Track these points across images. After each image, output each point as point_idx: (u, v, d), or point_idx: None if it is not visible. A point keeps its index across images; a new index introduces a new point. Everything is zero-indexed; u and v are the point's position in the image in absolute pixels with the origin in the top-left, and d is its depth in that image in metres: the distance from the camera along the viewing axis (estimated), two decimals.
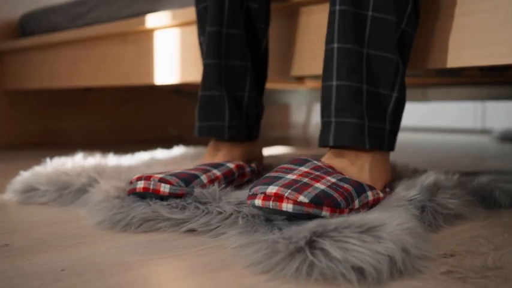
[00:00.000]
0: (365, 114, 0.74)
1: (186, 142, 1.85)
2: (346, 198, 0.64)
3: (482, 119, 2.80)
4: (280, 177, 0.65)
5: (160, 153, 1.30)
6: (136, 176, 0.77)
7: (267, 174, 0.68)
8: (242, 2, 0.93)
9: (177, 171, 0.80)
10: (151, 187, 0.74)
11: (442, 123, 2.90)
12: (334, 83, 0.75)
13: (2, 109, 1.97)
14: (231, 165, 0.86)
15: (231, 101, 0.93)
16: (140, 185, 0.74)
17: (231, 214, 0.68)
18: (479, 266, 0.54)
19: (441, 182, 0.77)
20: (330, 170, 0.70)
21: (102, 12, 1.57)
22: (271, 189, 0.61)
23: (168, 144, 1.59)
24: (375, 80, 0.75)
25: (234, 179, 0.86)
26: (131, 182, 0.76)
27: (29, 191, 0.90)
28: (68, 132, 2.13)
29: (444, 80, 2.02)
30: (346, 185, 0.66)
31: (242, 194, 0.76)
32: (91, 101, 2.20)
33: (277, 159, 1.33)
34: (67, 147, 1.75)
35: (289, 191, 0.61)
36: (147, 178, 0.75)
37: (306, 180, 0.64)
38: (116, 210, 0.71)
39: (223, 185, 0.80)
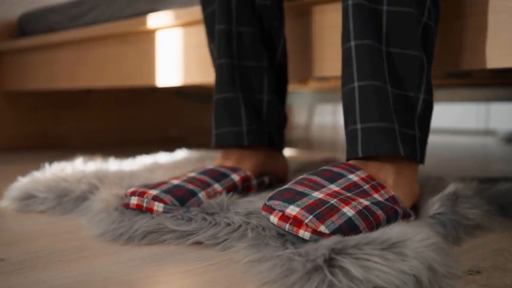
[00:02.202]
0: (394, 118, 0.66)
1: (187, 144, 1.81)
2: (372, 230, 0.57)
3: (486, 119, 2.76)
4: (305, 195, 0.58)
5: (162, 157, 1.26)
6: (131, 190, 0.73)
7: (291, 185, 0.60)
8: None
9: (175, 182, 0.75)
10: (144, 205, 0.70)
11: (444, 123, 2.86)
12: (356, 84, 0.66)
13: (0, 111, 1.93)
14: (236, 178, 0.81)
15: (247, 104, 0.86)
16: (134, 201, 0.71)
17: (240, 226, 0.64)
18: (509, 286, 0.50)
19: (460, 191, 0.73)
20: (367, 190, 0.62)
21: (103, 12, 1.54)
22: (291, 211, 0.55)
23: (169, 146, 1.56)
24: (399, 80, 0.67)
25: (238, 193, 0.80)
26: (126, 195, 0.73)
27: (27, 199, 0.86)
28: (67, 134, 2.10)
29: (450, 81, 1.98)
30: (378, 212, 0.59)
31: (251, 203, 0.72)
32: (91, 102, 2.16)
33: None
34: (67, 150, 1.72)
35: (310, 217, 0.54)
36: (141, 194, 0.71)
37: (333, 201, 0.57)
38: (118, 221, 0.67)
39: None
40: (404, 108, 0.67)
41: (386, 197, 0.63)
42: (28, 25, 1.84)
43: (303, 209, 0.55)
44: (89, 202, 0.80)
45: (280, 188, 0.60)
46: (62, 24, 1.68)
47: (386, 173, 0.66)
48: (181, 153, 1.32)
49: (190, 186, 0.74)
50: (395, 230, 0.53)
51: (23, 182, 0.90)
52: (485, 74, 1.60)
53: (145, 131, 2.33)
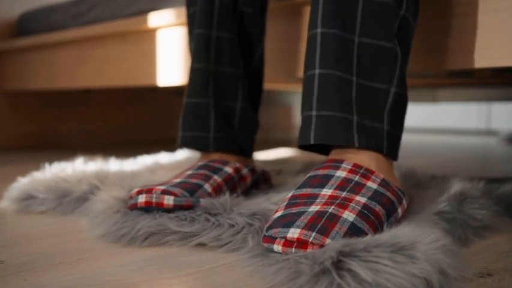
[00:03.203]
0: (354, 108, 0.64)
1: None
2: (376, 229, 0.56)
3: (487, 119, 2.75)
4: (302, 212, 0.55)
5: (163, 157, 1.25)
6: (136, 189, 0.71)
7: (285, 210, 0.57)
8: (235, 5, 0.87)
9: (177, 180, 0.74)
10: (154, 200, 0.69)
11: (445, 123, 2.85)
12: (317, 71, 0.64)
13: (0, 111, 1.92)
14: (229, 170, 0.80)
15: (218, 111, 0.85)
16: (142, 199, 0.69)
17: (243, 227, 0.63)
18: None
19: (467, 191, 0.72)
20: (359, 181, 0.60)
21: (103, 10, 1.53)
22: (293, 234, 0.52)
23: (169, 146, 1.54)
24: (368, 71, 0.65)
25: (234, 184, 0.80)
26: (131, 197, 0.71)
27: (27, 199, 0.85)
28: (67, 134, 2.08)
29: (451, 81, 1.97)
30: (377, 208, 0.58)
31: (255, 204, 0.71)
32: (91, 102, 2.15)
33: (284, 163, 1.28)
34: (67, 150, 1.70)
35: (313, 234, 0.51)
36: (149, 191, 0.69)
37: (331, 209, 0.55)
38: (119, 222, 0.66)
39: (227, 191, 0.75)
40: (370, 100, 0.65)
41: (379, 181, 0.62)
42: (28, 24, 1.83)
43: (303, 228, 0.52)
44: (90, 203, 0.79)
45: (275, 216, 0.57)
46: (62, 23, 1.67)
47: (366, 159, 0.64)
48: (182, 154, 1.30)
49: (194, 180, 0.74)
50: (404, 232, 0.52)
51: (22, 183, 0.89)
52: (486, 73, 1.59)
53: (145, 131, 2.32)
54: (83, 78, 1.56)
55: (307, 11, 0.99)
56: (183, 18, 1.21)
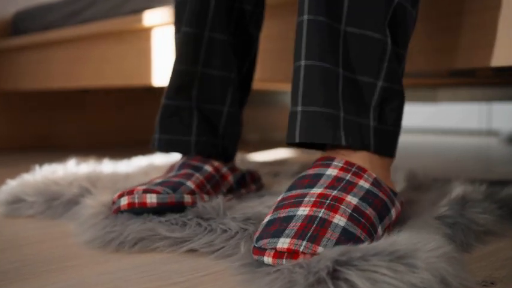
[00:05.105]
0: (341, 104, 0.60)
1: None
2: (369, 232, 0.53)
3: (488, 119, 2.72)
4: (291, 217, 0.52)
5: (158, 159, 1.22)
6: (118, 193, 0.69)
7: (273, 214, 0.54)
8: (234, 1, 0.82)
9: (159, 180, 0.72)
10: (136, 201, 0.66)
11: (445, 124, 2.82)
12: (303, 63, 0.60)
13: None
14: (209, 168, 0.77)
15: (201, 114, 0.81)
16: (124, 201, 0.67)
17: (237, 233, 0.61)
18: None
19: (469, 195, 0.69)
20: (350, 180, 0.57)
21: (99, 9, 1.50)
22: (283, 244, 0.49)
23: None
24: (354, 63, 0.61)
25: (217, 182, 0.77)
26: (114, 202, 0.69)
27: (15, 202, 0.82)
28: (63, 135, 2.06)
29: (451, 80, 1.95)
30: (368, 211, 0.55)
31: (248, 207, 0.68)
32: (88, 103, 2.12)
33: (282, 165, 1.26)
34: (62, 152, 1.68)
35: (304, 243, 0.49)
36: (130, 192, 0.67)
37: (321, 213, 0.52)
38: (108, 227, 0.64)
39: (211, 189, 0.74)
40: (355, 94, 0.61)
41: (371, 180, 0.58)
42: (23, 23, 1.81)
43: (293, 237, 0.50)
44: (80, 207, 0.76)
45: (263, 223, 0.55)
46: (57, 22, 1.64)
47: (360, 158, 0.61)
48: (177, 155, 1.28)
49: (176, 179, 0.72)
50: (404, 239, 0.49)
51: (11, 185, 0.86)
52: (487, 73, 1.56)
53: (142, 132, 2.29)
54: (79, 78, 1.53)
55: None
56: None
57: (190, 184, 0.72)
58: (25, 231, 0.73)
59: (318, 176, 0.58)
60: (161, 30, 1.27)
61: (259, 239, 0.52)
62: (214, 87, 0.82)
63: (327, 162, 0.60)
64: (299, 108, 0.60)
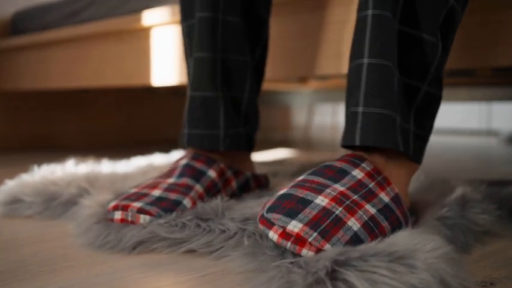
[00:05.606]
0: (398, 107, 0.57)
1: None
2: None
3: (488, 120, 2.72)
4: (308, 202, 0.51)
5: (158, 158, 1.22)
6: (113, 204, 0.68)
7: (291, 189, 0.53)
8: None
9: (157, 194, 0.69)
10: (129, 219, 0.66)
11: (445, 123, 2.82)
12: (366, 60, 0.57)
13: None
14: (213, 175, 0.75)
15: (227, 104, 0.79)
16: (118, 216, 0.66)
17: (236, 233, 0.60)
18: None
19: (469, 195, 0.69)
20: (372, 189, 0.55)
21: (98, 9, 1.50)
22: (293, 228, 0.49)
23: (165, 147, 1.52)
24: (406, 65, 0.59)
25: (218, 190, 0.76)
26: (108, 211, 0.68)
27: (14, 203, 0.82)
28: (63, 135, 2.06)
29: (451, 80, 1.94)
30: (385, 224, 0.54)
31: (247, 208, 0.68)
32: (87, 103, 2.12)
33: (282, 165, 1.25)
34: (61, 152, 1.68)
35: (315, 234, 0.48)
36: (124, 208, 0.66)
37: (338, 211, 0.51)
38: (107, 229, 0.63)
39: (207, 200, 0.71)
40: (404, 97, 0.60)
41: (392, 195, 0.57)
42: (22, 23, 1.80)
43: (306, 224, 0.49)
44: (78, 207, 0.76)
45: (279, 194, 0.54)
46: (56, 22, 1.64)
47: (390, 168, 0.60)
48: (177, 154, 1.28)
49: (174, 196, 0.69)
50: (403, 239, 0.49)
51: (10, 186, 0.86)
52: (487, 73, 1.56)
53: (142, 132, 2.29)
54: (79, 78, 1.53)
55: (310, 8, 0.97)
56: (178, 16, 1.19)
57: (187, 203, 0.69)
58: (23, 231, 0.72)
59: (343, 173, 0.57)
60: (160, 30, 1.27)
61: (271, 210, 0.51)
62: (234, 72, 0.79)
63: (356, 161, 0.58)
64: (360, 109, 0.57)
